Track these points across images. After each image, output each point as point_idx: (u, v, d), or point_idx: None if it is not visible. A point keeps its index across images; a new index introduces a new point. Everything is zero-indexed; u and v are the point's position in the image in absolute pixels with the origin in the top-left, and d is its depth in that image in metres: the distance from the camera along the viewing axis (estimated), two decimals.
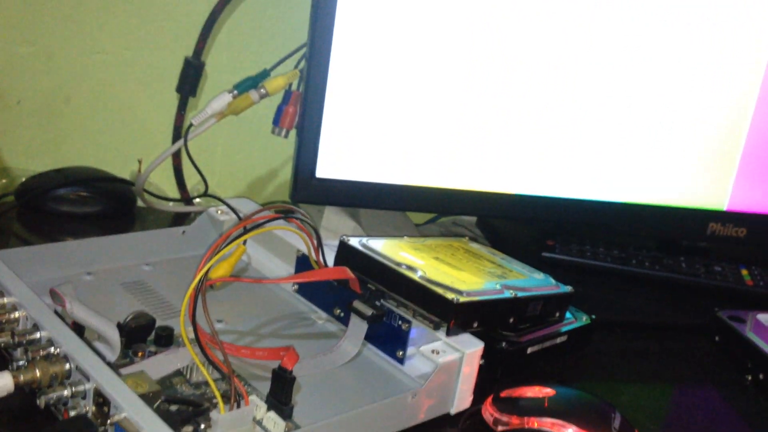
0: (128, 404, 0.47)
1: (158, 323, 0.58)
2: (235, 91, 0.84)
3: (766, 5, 0.84)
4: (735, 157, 0.88)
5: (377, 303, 0.61)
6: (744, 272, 0.89)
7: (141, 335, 0.57)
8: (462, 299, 0.60)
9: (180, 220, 0.91)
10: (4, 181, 0.91)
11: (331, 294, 0.65)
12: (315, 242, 0.62)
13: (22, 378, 0.50)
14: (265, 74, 0.85)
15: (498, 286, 0.65)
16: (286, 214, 0.58)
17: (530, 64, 0.79)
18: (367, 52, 0.76)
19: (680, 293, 0.88)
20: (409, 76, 0.77)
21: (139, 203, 0.91)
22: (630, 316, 0.83)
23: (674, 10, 0.82)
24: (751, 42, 0.84)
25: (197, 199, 0.95)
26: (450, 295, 0.60)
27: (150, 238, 0.72)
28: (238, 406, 0.48)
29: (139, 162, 0.87)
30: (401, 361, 0.60)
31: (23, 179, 0.88)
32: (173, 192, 0.97)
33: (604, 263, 0.88)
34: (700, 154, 0.87)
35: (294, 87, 0.84)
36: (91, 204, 0.86)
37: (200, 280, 0.49)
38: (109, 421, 0.47)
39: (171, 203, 0.94)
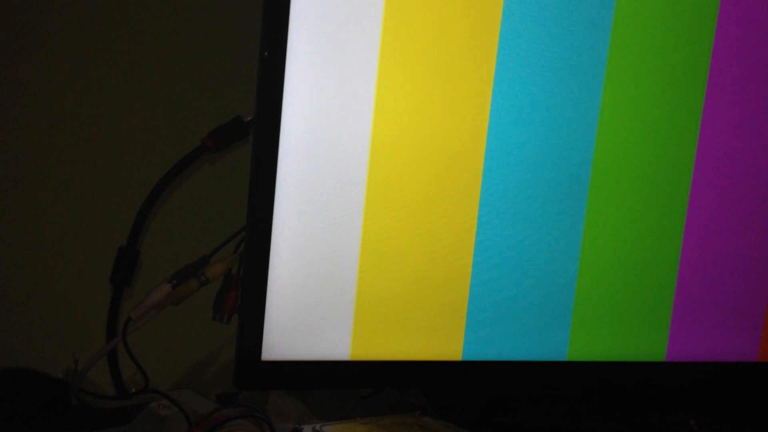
0: None
1: None
2: (174, 281, 0.83)
3: None
4: (668, 307, 0.90)
5: None
6: (692, 423, 0.90)
7: None
8: None
9: (119, 416, 0.87)
10: None
11: None
12: None
13: None
14: (204, 261, 0.85)
15: None
16: (239, 413, 0.56)
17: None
18: (306, 230, 0.76)
19: None
20: (350, 246, 0.78)
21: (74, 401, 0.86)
22: None
23: None
24: (668, 197, 0.89)
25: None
26: None
27: None
28: None
29: (75, 362, 0.84)
30: None
31: None
32: (109, 384, 0.93)
33: (555, 423, 0.87)
34: (634, 307, 0.89)
35: (234, 271, 0.84)
36: (21, 408, 0.82)
37: None
38: None
39: (109, 400, 0.90)
